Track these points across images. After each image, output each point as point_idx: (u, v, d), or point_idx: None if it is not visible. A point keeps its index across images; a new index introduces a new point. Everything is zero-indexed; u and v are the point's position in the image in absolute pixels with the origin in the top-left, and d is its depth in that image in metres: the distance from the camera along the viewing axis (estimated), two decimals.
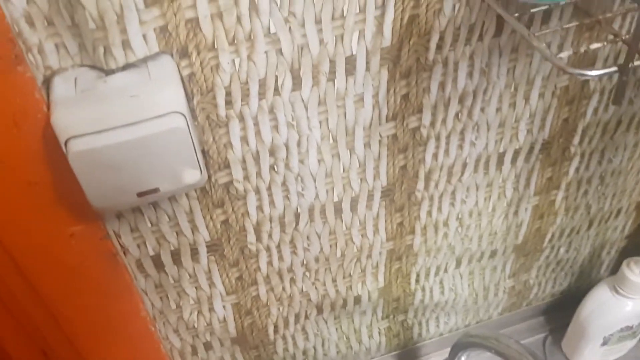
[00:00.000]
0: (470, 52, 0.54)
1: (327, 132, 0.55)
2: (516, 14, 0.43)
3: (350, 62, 0.51)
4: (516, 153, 0.66)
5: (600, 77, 0.59)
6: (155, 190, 0.45)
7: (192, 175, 0.46)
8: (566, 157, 0.70)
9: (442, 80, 0.56)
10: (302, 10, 0.46)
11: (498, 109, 0.61)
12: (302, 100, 0.52)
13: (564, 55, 0.44)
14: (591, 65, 0.60)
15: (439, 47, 0.53)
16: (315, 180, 0.59)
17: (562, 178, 0.72)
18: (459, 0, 0.50)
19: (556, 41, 0.56)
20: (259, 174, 0.56)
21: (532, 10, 0.47)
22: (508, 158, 0.66)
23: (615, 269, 0.84)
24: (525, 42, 0.55)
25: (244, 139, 0.53)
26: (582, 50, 0.54)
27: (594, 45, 0.46)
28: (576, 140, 0.68)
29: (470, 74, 0.56)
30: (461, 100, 0.58)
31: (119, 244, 0.55)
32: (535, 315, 0.89)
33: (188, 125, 0.43)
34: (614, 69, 0.35)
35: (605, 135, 0.69)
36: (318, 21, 0.47)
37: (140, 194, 0.45)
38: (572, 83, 0.62)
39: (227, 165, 0.54)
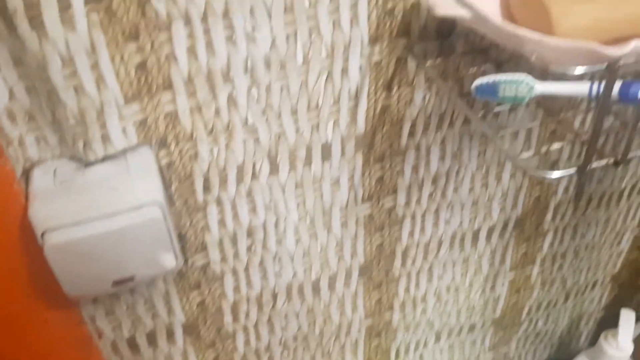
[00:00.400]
0: (441, 137, 0.57)
1: (304, 213, 0.56)
2: (482, 112, 0.45)
3: (326, 148, 0.53)
4: (490, 230, 0.68)
5: (560, 178, 0.61)
6: (131, 278, 0.45)
7: (168, 262, 0.46)
8: (540, 233, 0.71)
9: (415, 164, 0.58)
10: (279, 103, 0.48)
11: (471, 189, 0.63)
12: (280, 184, 0.53)
13: (526, 155, 0.47)
14: (556, 161, 0.62)
15: (411, 134, 0.55)
16: (292, 260, 0.60)
17: (536, 253, 0.73)
18: (429, 91, 0.52)
19: (521, 138, 0.59)
20: (236, 255, 0.56)
21: (495, 110, 0.49)
22: (483, 235, 0.68)
23: (593, 340, 0.84)
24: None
25: (222, 222, 0.54)
26: (543, 150, 0.56)
27: (555, 146, 0.48)
28: (549, 217, 0.70)
29: (442, 158, 0.58)
30: (434, 182, 0.60)
31: (95, 327, 0.55)
32: None
33: (164, 215, 0.44)
34: (574, 170, 0.37)
35: (577, 212, 0.71)
36: (294, 112, 0.49)
37: (115, 283, 0.45)
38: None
39: (204, 248, 0.55)
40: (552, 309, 0.81)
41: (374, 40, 0.48)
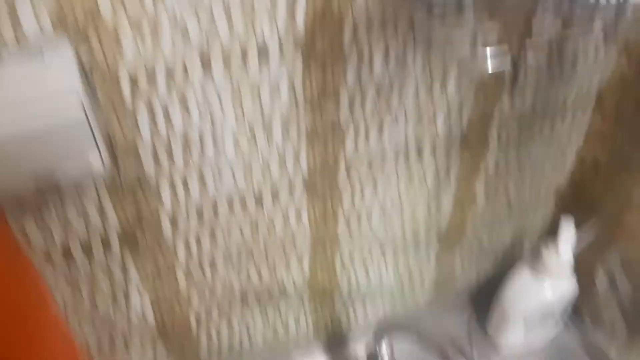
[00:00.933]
0: (385, 43, 0.55)
1: (242, 118, 0.55)
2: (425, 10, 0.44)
3: (263, 49, 0.50)
4: (435, 144, 0.67)
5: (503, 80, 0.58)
6: (53, 175, 0.43)
7: (94, 160, 0.44)
8: (484, 147, 0.71)
9: (358, 69, 0.56)
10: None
11: (415, 100, 0.61)
12: (214, 87, 0.51)
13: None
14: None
15: (354, 38, 0.53)
16: (232, 169, 0.58)
17: (481, 168, 0.74)
18: None
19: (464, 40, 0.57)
20: (171, 162, 0.55)
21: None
22: (427, 149, 0.67)
23: (536, 253, 0.86)
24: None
25: (153, 126, 0.51)
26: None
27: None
28: (494, 131, 0.69)
29: (386, 64, 0.56)
30: (378, 91, 0.59)
31: (24, 237, 0.53)
32: (460, 300, 0.92)
33: (84, 107, 0.41)
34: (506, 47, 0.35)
35: (522, 126, 0.71)
36: (227, 8, 0.46)
37: (38, 181, 0.43)
38: None
39: (137, 155, 0.53)
40: (496, 223, 0.83)
41: None
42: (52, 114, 0.41)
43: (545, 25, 0.38)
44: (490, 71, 0.38)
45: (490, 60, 0.43)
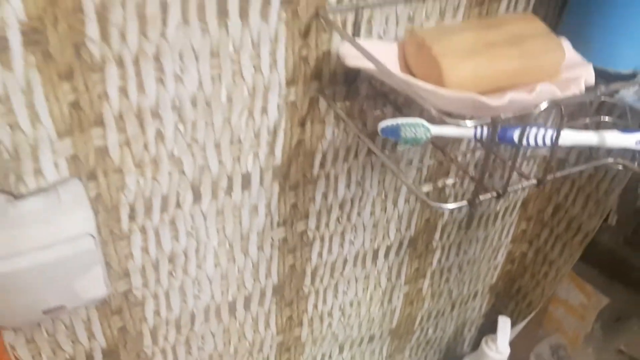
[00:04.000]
0: (347, 167, 0.63)
1: (224, 238, 0.60)
2: (383, 147, 0.52)
3: (246, 178, 0.57)
4: (388, 249, 0.75)
5: (453, 210, 0.70)
6: (62, 307, 0.46)
7: (100, 291, 0.48)
8: (430, 250, 0.80)
9: (325, 191, 0.64)
10: (204, 138, 0.52)
11: (372, 213, 0.70)
12: (202, 212, 0.57)
13: (426, 189, 0.54)
14: (448, 193, 0.72)
15: (322, 164, 0.61)
16: (211, 283, 0.63)
17: (427, 268, 0.82)
18: (338, 128, 0.59)
19: (415, 171, 0.68)
20: (157, 280, 0.59)
21: (398, 149, 0.56)
22: (381, 253, 0.75)
23: (476, 345, 0.95)
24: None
25: (145, 249, 0.56)
26: (439, 184, 0.65)
27: (449, 180, 0.56)
28: (437, 236, 0.79)
29: (348, 185, 0.65)
30: (341, 207, 0.67)
31: (14, 356, 0.55)
32: None
33: (96, 246, 0.46)
34: (465, 203, 0.44)
35: (460, 231, 0.81)
36: (217, 146, 0.53)
37: (45, 312, 0.46)
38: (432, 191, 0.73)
39: (127, 275, 0.57)
40: (441, 317, 0.91)
41: (290, 83, 0.53)
42: (66, 248, 0.45)
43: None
44: (431, 205, 0.46)
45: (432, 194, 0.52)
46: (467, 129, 0.49)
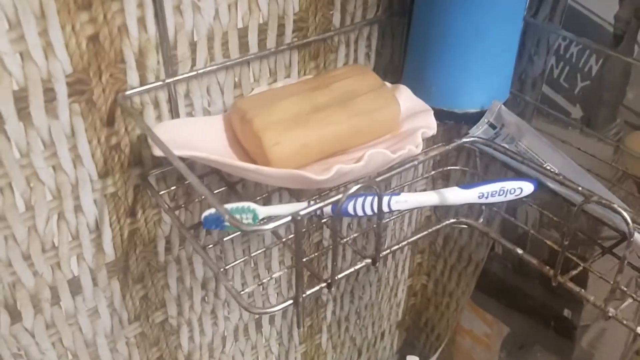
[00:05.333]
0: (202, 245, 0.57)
1: (63, 351, 0.53)
2: (210, 246, 0.47)
3: (74, 283, 0.50)
4: (272, 314, 0.70)
5: (277, 311, 0.65)
6: None
7: None
8: (320, 305, 0.75)
9: (180, 275, 0.58)
10: (6, 253, 0.45)
11: (243, 284, 0.64)
12: (27, 330, 0.49)
13: (249, 290, 0.50)
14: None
15: (168, 249, 0.55)
16: None
17: (322, 323, 0.77)
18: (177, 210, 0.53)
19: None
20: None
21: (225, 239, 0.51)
22: (265, 320, 0.70)
23: None
24: None
25: None
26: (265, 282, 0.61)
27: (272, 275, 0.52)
28: (324, 290, 0.74)
29: (206, 263, 0.59)
30: (204, 286, 0.61)
31: None
32: None
33: None
34: (290, 302, 0.39)
35: (350, 279, 0.76)
36: (27, 257, 0.46)
37: None
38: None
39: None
40: None
41: (104, 175, 0.47)
42: None
43: None
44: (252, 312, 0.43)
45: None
46: (297, 205, 0.44)
